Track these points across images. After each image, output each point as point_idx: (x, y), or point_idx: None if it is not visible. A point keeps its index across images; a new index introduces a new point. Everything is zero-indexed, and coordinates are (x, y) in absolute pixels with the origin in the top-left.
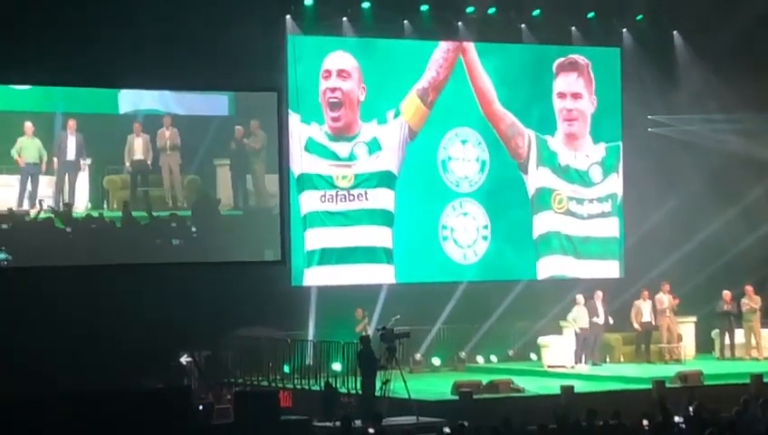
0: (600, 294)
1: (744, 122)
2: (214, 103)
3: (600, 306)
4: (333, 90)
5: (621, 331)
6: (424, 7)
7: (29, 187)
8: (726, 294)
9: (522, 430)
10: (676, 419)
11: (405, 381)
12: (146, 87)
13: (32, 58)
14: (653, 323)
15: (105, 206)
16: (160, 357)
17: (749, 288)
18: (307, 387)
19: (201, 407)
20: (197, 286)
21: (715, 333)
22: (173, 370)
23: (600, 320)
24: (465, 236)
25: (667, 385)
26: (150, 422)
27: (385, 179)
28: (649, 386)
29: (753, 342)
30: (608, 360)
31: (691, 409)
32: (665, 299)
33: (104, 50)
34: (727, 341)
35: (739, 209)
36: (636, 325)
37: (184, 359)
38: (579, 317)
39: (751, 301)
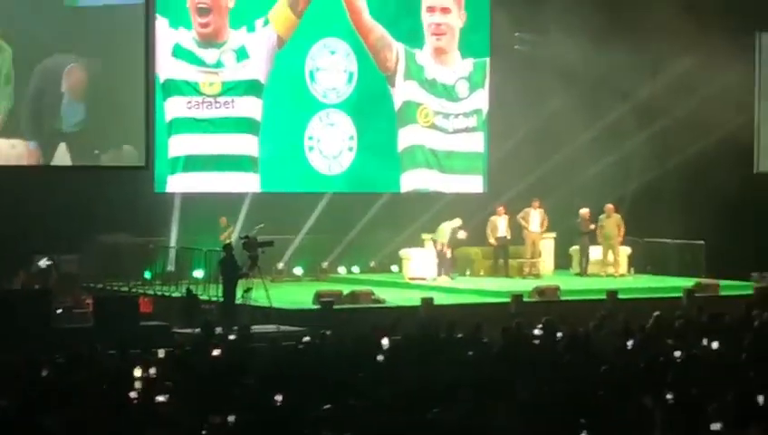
0: (458, 221)
1: (610, 46)
2: None
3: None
4: None
5: (482, 245)
6: None
7: None
8: (585, 212)
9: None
10: (536, 332)
11: (267, 290)
12: None
13: None
14: (508, 237)
15: None
16: (20, 260)
17: (609, 207)
18: (168, 294)
19: (60, 310)
20: (59, 189)
21: (573, 249)
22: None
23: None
24: (331, 147)
25: (525, 299)
26: (8, 325)
27: (252, 88)
28: (508, 300)
29: (611, 258)
30: (468, 273)
31: (543, 322)
32: (535, 214)
33: None
34: (585, 256)
35: (601, 129)
36: (491, 240)
37: (43, 262)
38: (441, 234)
39: (610, 219)
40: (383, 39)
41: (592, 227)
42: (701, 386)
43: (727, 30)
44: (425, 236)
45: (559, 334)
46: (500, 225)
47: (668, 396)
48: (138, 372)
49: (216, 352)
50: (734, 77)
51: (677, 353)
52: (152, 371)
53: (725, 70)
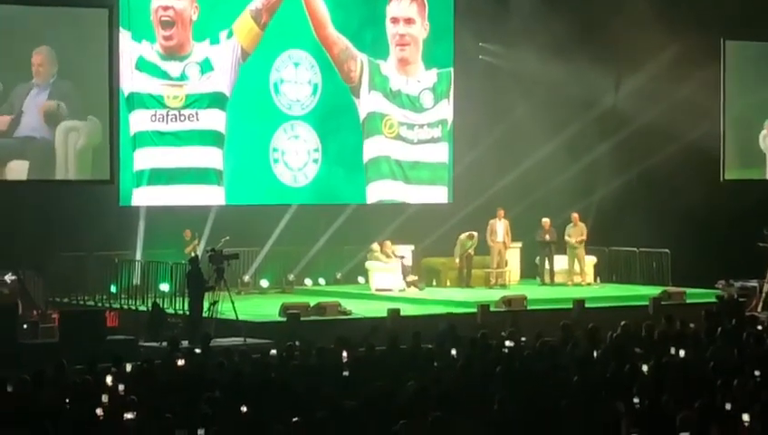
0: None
1: (574, 55)
2: None
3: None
4: (165, 8)
5: (449, 256)
6: None
7: None
8: (545, 221)
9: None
10: (507, 343)
11: (233, 303)
12: None
13: None
14: (471, 252)
15: None
16: None
17: (575, 215)
18: (134, 307)
19: (26, 325)
20: (24, 203)
21: (538, 259)
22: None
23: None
24: (296, 159)
25: (492, 309)
26: None
27: (216, 100)
28: (475, 310)
29: (578, 268)
30: (434, 283)
31: (504, 333)
32: (500, 225)
33: None
34: (548, 266)
35: (566, 138)
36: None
37: (8, 277)
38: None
39: (576, 228)
40: (347, 51)
41: (547, 237)
42: (669, 394)
43: (693, 38)
44: (374, 247)
45: (525, 344)
46: (467, 245)
47: (635, 401)
48: (106, 387)
49: (181, 363)
50: (699, 85)
51: (644, 362)
52: (120, 387)
53: (691, 77)
